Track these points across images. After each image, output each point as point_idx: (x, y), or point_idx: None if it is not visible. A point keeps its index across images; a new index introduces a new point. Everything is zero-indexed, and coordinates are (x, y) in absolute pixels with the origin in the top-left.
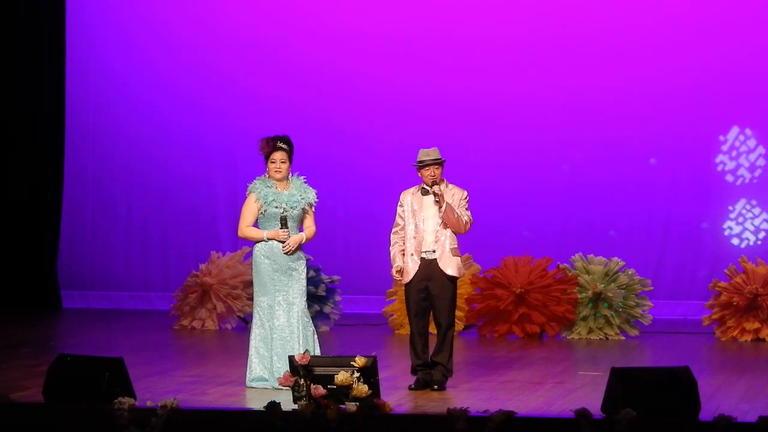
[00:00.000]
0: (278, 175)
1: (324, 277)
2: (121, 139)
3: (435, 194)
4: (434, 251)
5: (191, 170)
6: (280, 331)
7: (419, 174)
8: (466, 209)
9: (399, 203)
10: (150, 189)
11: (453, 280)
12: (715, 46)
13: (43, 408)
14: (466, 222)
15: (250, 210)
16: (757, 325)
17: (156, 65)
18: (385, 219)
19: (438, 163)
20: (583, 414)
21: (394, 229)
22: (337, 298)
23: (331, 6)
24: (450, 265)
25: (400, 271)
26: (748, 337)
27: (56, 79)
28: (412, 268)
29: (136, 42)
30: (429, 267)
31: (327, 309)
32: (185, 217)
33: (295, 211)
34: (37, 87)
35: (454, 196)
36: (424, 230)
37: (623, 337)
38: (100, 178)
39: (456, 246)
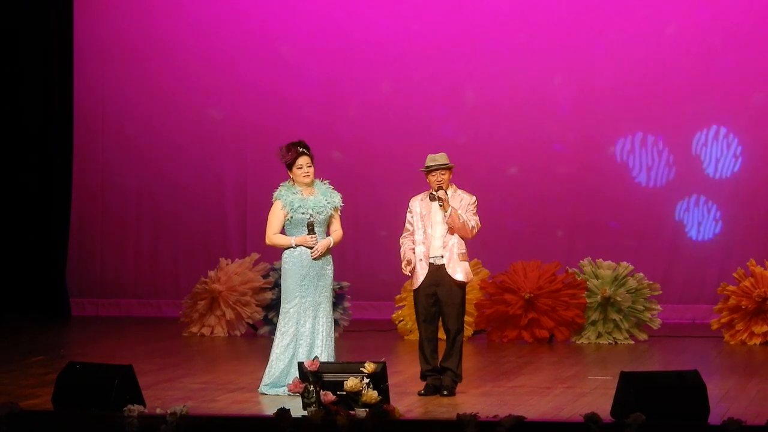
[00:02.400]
0: (307, 180)
1: (333, 283)
2: (130, 147)
3: (439, 199)
4: (442, 257)
5: (201, 177)
6: (306, 338)
7: (427, 179)
8: (474, 214)
9: (408, 209)
10: (159, 196)
11: (461, 285)
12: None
13: (52, 416)
14: (473, 227)
15: (276, 217)
16: (765, 328)
17: (166, 69)
18: (394, 225)
19: (444, 168)
20: (592, 418)
21: (403, 235)
22: (347, 304)
23: (342, 13)
24: (458, 270)
25: (410, 262)
26: (757, 341)
27: (64, 88)
28: (420, 273)
29: (144, 47)
30: (437, 272)
31: (336, 315)
32: (194, 224)
33: (321, 216)
34: (45, 96)
35: (462, 201)
36: (432, 236)
37: (632, 342)
38: (108, 185)
39: (464, 251)
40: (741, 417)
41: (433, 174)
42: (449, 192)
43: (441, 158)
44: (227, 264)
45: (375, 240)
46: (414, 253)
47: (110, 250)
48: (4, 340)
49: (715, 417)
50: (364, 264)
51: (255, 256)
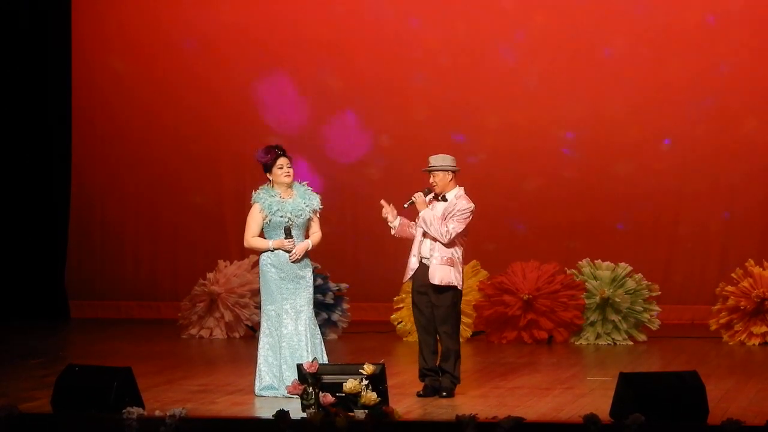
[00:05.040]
0: (288, 179)
1: (332, 284)
2: (129, 148)
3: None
4: (429, 258)
5: (199, 179)
6: (289, 339)
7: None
8: (459, 221)
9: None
10: (158, 198)
11: (441, 289)
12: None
13: (51, 418)
14: (444, 233)
15: (254, 220)
16: (764, 328)
17: (165, 70)
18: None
19: (442, 169)
20: (591, 419)
21: None
22: (345, 305)
23: (344, 11)
24: (436, 276)
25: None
26: (756, 341)
27: (63, 89)
28: (412, 267)
29: (143, 49)
30: (425, 272)
31: (335, 317)
32: (193, 226)
33: (299, 220)
34: (43, 98)
35: (455, 206)
36: (424, 236)
37: (631, 342)
38: (108, 187)
39: (450, 256)
40: (740, 417)
41: (429, 175)
42: (452, 193)
43: (434, 160)
44: (226, 266)
45: (373, 241)
46: (408, 223)
47: (109, 252)
48: (3, 342)
49: (714, 417)
50: (363, 265)
51: (254, 257)
